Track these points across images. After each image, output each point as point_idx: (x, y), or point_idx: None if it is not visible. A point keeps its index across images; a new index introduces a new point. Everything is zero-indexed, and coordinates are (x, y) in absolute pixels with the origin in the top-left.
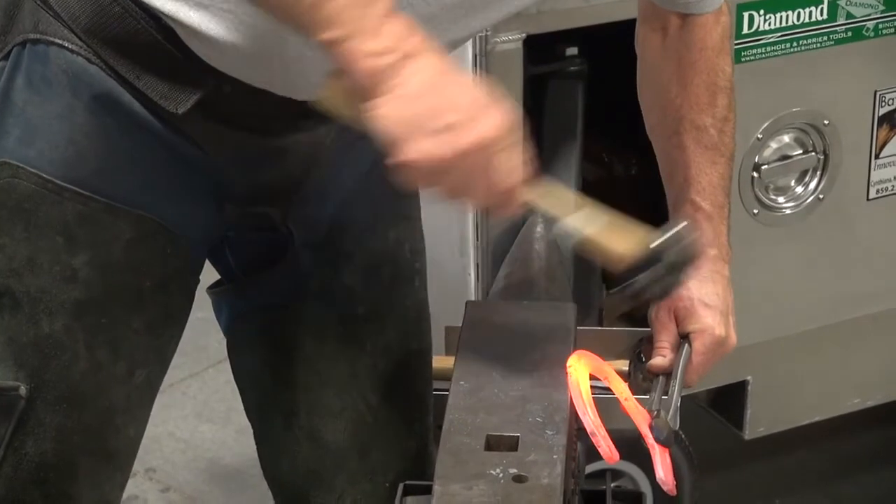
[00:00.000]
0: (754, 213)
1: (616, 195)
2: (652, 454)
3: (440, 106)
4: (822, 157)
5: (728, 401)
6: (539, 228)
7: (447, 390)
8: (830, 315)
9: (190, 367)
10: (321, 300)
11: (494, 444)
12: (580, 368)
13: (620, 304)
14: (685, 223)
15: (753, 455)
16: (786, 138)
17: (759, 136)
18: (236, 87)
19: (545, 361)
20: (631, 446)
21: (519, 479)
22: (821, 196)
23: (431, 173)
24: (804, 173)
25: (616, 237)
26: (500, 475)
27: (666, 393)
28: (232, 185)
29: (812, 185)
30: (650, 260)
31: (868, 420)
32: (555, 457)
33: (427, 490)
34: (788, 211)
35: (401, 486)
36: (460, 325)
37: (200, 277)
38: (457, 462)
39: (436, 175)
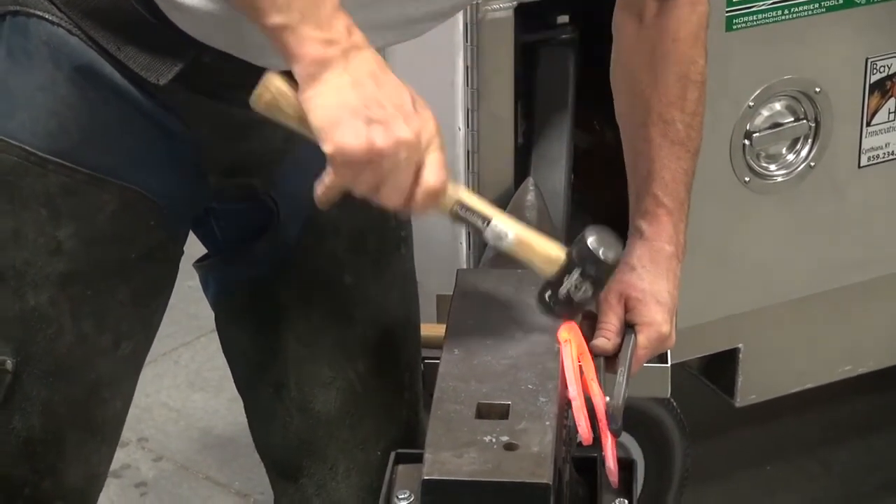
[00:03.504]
0: (745, 181)
1: (607, 163)
2: (603, 441)
3: (376, 98)
4: (813, 124)
5: (719, 368)
6: (531, 196)
7: (438, 359)
8: (822, 282)
9: (182, 336)
10: (307, 271)
11: (485, 411)
12: (570, 340)
13: (556, 309)
14: (606, 230)
15: (744, 422)
16: (777, 106)
17: (751, 103)
18: (216, 57)
19: (537, 329)
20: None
21: (510, 446)
22: (812, 163)
23: (360, 163)
24: (795, 141)
25: (544, 241)
26: (492, 443)
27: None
28: (214, 156)
29: (803, 153)
30: (578, 262)
31: (859, 387)
32: (546, 423)
33: (419, 459)
34: (780, 178)
35: (392, 454)
36: (451, 293)
37: (189, 251)
38: (448, 430)
39: (364, 166)
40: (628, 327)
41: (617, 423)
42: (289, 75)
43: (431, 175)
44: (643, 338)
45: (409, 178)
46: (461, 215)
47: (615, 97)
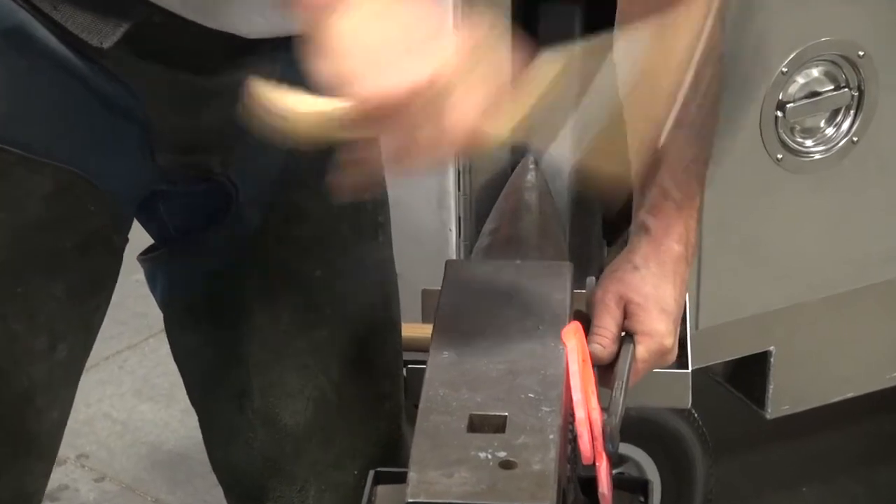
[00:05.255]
0: (778, 159)
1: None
2: (598, 464)
3: (397, 34)
4: (856, 93)
5: (748, 375)
6: (531, 176)
7: (424, 363)
8: (866, 276)
9: (128, 338)
10: (271, 262)
11: (479, 424)
12: (577, 342)
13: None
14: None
15: (776, 436)
16: (815, 72)
17: (784, 69)
18: (168, 17)
19: (537, 329)
20: (637, 428)
21: (507, 464)
22: (855, 138)
23: (390, 113)
24: (836, 112)
25: (612, 156)
26: (486, 460)
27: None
28: (164, 131)
29: (845, 126)
30: None
31: None
32: (549, 438)
33: (402, 478)
34: (818, 156)
35: (371, 473)
36: (439, 287)
37: (134, 242)
38: (435, 445)
39: (394, 115)
40: (627, 335)
41: (615, 444)
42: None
43: (468, 110)
44: (643, 349)
45: (441, 118)
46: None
47: (619, 74)
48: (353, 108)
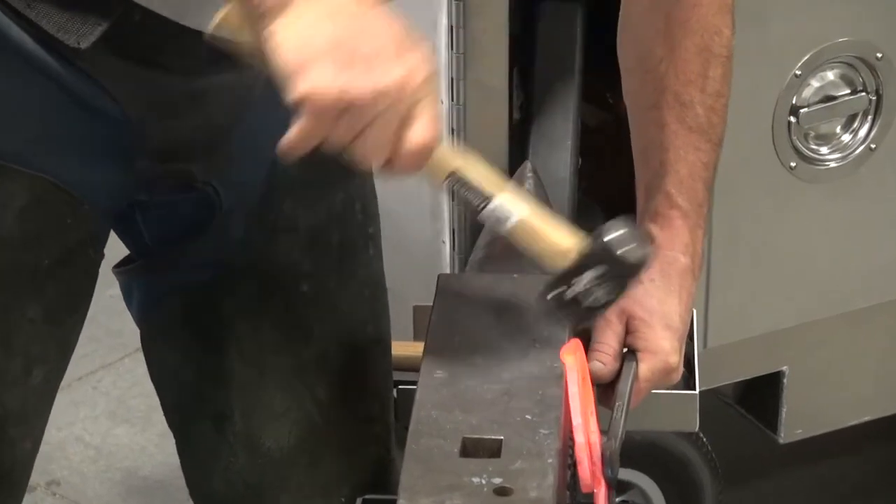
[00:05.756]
0: (791, 167)
1: (621, 144)
2: (596, 491)
3: (355, 33)
4: (873, 97)
5: (759, 396)
6: (529, 184)
7: (415, 383)
8: (884, 291)
9: (102, 357)
10: (256, 276)
11: (472, 448)
12: (576, 363)
13: (560, 312)
14: (632, 224)
15: (790, 462)
16: (830, 75)
17: (798, 72)
18: (147, 16)
19: (534, 347)
20: (641, 453)
21: (502, 491)
22: (872, 145)
23: (333, 113)
24: (852, 118)
25: (556, 228)
26: (480, 486)
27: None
28: (144, 137)
29: (862, 132)
30: (594, 259)
31: None
32: (547, 462)
33: None
34: (833, 164)
35: (359, 500)
36: (431, 303)
37: (105, 253)
38: (427, 470)
39: (339, 115)
40: (629, 352)
41: (614, 469)
42: None
43: (418, 131)
44: (646, 368)
45: (391, 132)
46: (455, 189)
47: (623, 73)
48: (303, 99)
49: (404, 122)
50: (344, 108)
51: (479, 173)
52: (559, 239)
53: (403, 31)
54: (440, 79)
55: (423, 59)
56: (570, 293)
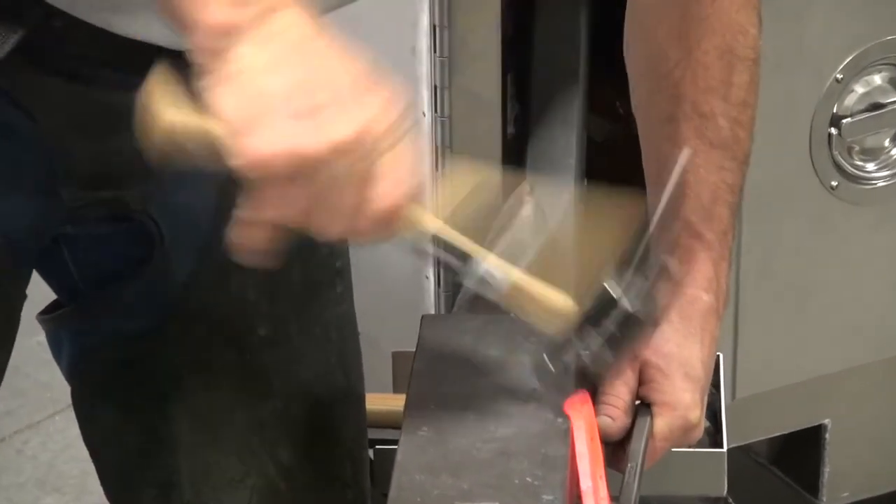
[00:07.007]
0: (832, 187)
1: (634, 160)
2: None
3: (307, 80)
4: None
5: (797, 455)
6: (526, 210)
7: (395, 442)
8: None
9: (28, 414)
10: (205, 321)
11: None
12: (583, 417)
13: (563, 382)
14: (640, 270)
15: None
16: (877, 80)
17: (839, 76)
18: (68, 21)
19: (534, 399)
20: None
21: None
22: None
23: (283, 179)
24: None
25: (550, 287)
26: None
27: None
28: (69, 161)
29: None
30: (598, 319)
31: None
32: None
33: None
34: (881, 182)
35: None
36: (413, 349)
37: (31, 296)
38: None
39: (293, 182)
40: (642, 405)
41: None
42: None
43: (383, 191)
44: (663, 423)
45: (352, 194)
46: (428, 251)
47: (631, 81)
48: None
49: (366, 180)
50: (295, 172)
51: (464, 232)
52: (557, 299)
53: (364, 68)
54: (420, 95)
55: (387, 101)
56: (569, 356)
